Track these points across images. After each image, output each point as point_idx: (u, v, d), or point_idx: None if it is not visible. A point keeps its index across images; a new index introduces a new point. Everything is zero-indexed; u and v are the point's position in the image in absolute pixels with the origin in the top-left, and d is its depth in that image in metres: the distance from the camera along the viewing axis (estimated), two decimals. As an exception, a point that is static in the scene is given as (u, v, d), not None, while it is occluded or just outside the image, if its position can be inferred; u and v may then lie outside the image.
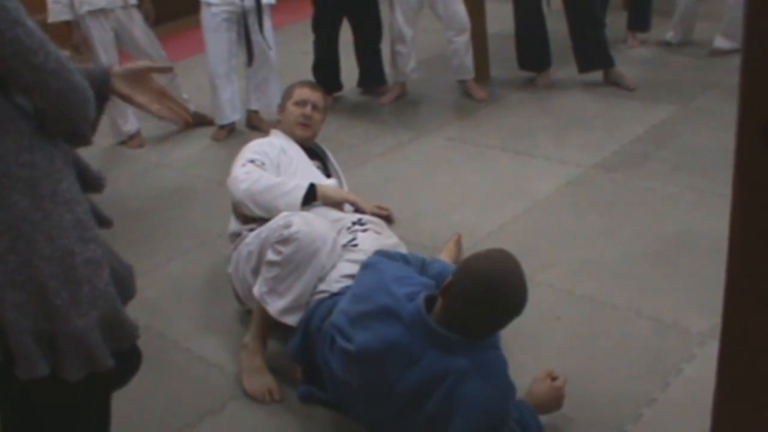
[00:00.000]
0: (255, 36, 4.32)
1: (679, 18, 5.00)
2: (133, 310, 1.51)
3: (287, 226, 2.35)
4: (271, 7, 4.36)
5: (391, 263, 2.22)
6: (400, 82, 4.76)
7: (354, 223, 2.63)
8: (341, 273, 2.38)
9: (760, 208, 0.98)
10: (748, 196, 0.98)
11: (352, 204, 2.77)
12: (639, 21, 5.11)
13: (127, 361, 1.53)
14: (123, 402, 1.73)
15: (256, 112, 4.58)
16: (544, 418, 2.10)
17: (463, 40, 4.51)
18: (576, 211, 3.30)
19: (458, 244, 2.96)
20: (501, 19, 5.09)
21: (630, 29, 5.16)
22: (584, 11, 4.43)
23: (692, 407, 2.15)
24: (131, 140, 4.56)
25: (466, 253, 2.76)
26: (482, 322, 1.92)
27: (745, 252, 1.02)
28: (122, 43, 4.39)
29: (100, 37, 4.26)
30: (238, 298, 2.70)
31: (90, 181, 1.47)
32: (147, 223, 3.63)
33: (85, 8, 4.21)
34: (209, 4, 4.24)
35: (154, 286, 3.06)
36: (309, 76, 4.52)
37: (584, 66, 4.56)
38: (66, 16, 4.23)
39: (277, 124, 3.04)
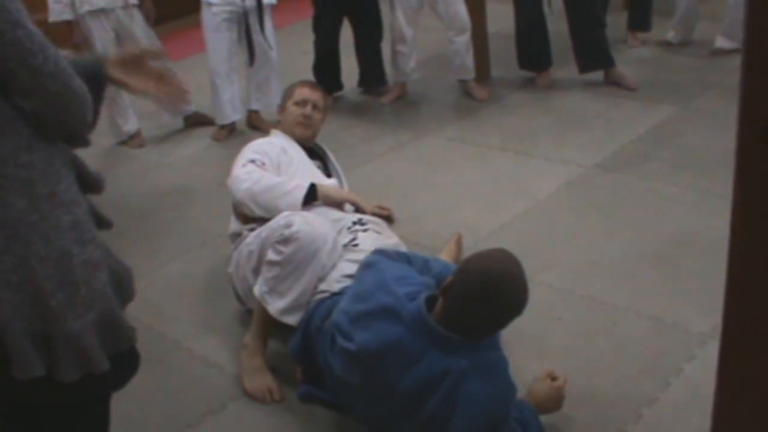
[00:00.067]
0: (256, 36, 4.32)
1: (680, 18, 5.00)
2: (133, 310, 1.52)
3: (288, 225, 2.35)
4: (272, 6, 4.36)
5: (392, 263, 2.22)
6: (400, 82, 4.76)
7: (354, 223, 2.63)
8: (342, 273, 2.37)
9: (760, 208, 0.98)
10: (749, 196, 0.99)
11: (353, 204, 2.77)
12: (639, 21, 5.11)
13: (125, 363, 1.53)
14: (123, 402, 1.73)
15: (256, 112, 4.58)
16: (544, 418, 2.10)
17: (464, 40, 4.51)
18: (576, 211, 3.29)
19: (458, 244, 2.96)
20: (501, 19, 5.09)
21: (630, 29, 5.16)
22: (585, 11, 4.42)
23: (692, 407, 2.16)
24: (132, 140, 4.57)
25: (467, 253, 2.76)
26: (483, 322, 1.92)
27: (745, 252, 1.02)
28: (123, 42, 4.38)
29: (101, 36, 4.26)
30: (238, 297, 2.70)
31: (89, 183, 1.46)
32: (147, 223, 3.63)
33: (86, 8, 4.20)
34: (210, 4, 4.23)
35: (154, 285, 3.06)
36: (309, 75, 4.52)
37: (585, 66, 4.56)
38: (67, 16, 4.23)
39: (278, 124, 3.04)
